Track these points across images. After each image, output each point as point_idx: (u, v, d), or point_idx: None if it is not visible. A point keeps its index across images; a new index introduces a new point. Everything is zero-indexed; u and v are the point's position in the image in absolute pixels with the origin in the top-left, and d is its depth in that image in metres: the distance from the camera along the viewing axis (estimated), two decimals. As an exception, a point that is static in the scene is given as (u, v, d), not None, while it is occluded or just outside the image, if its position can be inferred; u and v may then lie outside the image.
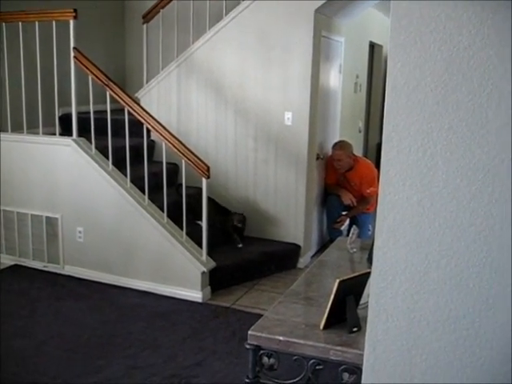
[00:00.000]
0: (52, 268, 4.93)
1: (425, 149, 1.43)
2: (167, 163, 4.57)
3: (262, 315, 2.30)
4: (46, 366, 3.40)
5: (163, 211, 4.49)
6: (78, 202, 4.73)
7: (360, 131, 7.48)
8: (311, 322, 2.16)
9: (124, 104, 4.46)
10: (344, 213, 5.56)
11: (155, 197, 4.57)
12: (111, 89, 4.46)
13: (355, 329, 2.06)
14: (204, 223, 4.39)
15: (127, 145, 4.51)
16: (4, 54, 4.79)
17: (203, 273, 4.41)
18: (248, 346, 2.11)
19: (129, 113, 4.49)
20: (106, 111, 4.53)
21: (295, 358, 2.05)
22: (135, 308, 4.29)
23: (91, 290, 4.59)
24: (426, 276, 1.49)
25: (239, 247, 5.06)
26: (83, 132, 4.70)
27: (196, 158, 4.33)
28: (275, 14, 4.91)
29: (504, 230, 1.38)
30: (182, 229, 4.46)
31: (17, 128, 4.85)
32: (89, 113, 4.56)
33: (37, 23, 4.58)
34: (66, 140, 4.68)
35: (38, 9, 4.56)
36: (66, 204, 4.78)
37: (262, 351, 2.10)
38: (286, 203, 5.21)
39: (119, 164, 4.62)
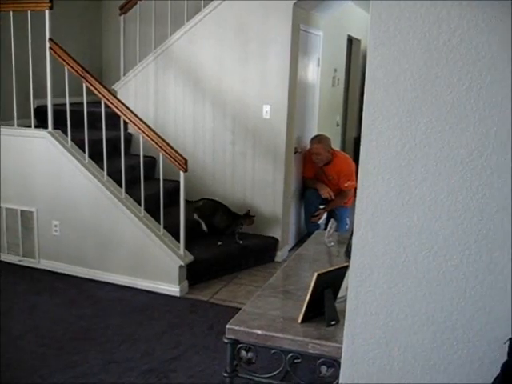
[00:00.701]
0: (27, 262, 4.87)
1: (403, 142, 1.43)
2: (145, 156, 4.54)
3: (239, 309, 2.29)
4: (22, 362, 3.36)
5: (140, 205, 4.47)
6: (53, 196, 4.67)
7: (338, 125, 7.51)
8: (289, 315, 2.16)
9: (101, 96, 4.41)
10: (322, 206, 5.58)
11: (133, 191, 4.53)
12: (87, 80, 4.41)
13: (333, 322, 2.07)
14: (181, 216, 4.36)
15: (104, 138, 4.47)
16: (-23, 44, 4.70)
17: (181, 266, 4.39)
18: (226, 340, 2.11)
19: (106, 105, 4.44)
20: (82, 103, 4.47)
21: (273, 351, 2.05)
22: (112, 302, 4.25)
23: (67, 284, 4.54)
24: (404, 269, 1.50)
25: (240, 243, 5.05)
26: (59, 124, 4.63)
27: (173, 151, 4.30)
28: (254, 7, 4.89)
29: (482, 223, 1.39)
30: (159, 222, 4.43)
31: (-9, 120, 4.77)
32: (65, 105, 4.51)
33: (11, 13, 4.50)
34: (41, 132, 4.61)
35: (13, -2, 4.49)
36: (41, 197, 4.72)
37: (240, 345, 2.10)
38: (264, 197, 5.21)
39: (96, 157, 4.57)
